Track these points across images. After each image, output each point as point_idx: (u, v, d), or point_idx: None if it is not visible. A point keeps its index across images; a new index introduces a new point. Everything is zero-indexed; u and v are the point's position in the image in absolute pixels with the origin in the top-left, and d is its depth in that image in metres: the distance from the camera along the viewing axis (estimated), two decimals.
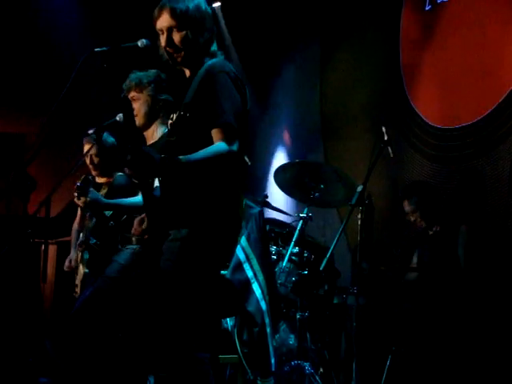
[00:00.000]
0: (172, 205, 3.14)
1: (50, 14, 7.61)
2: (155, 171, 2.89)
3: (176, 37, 3.18)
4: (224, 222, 3.12)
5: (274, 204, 5.73)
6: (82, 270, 5.07)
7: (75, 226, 5.64)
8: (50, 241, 6.57)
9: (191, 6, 3.19)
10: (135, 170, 2.84)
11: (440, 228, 5.18)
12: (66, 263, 5.52)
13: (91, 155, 5.26)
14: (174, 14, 3.16)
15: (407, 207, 5.24)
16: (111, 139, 5.22)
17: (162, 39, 3.21)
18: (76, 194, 4.34)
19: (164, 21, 3.19)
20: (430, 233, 5.24)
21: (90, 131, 4.41)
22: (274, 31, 7.74)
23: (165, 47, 3.20)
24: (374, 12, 6.57)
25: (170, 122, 3.29)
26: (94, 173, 5.37)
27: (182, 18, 3.17)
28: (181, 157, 2.91)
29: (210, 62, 3.18)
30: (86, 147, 5.23)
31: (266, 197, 5.67)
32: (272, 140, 7.82)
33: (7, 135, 7.83)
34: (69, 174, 5.04)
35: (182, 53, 3.20)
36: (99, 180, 5.32)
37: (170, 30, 3.19)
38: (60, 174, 4.32)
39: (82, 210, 4.67)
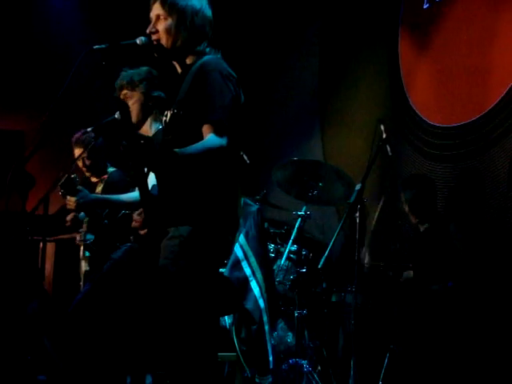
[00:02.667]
0: (170, 203, 3.15)
1: (48, 11, 7.60)
2: (153, 159, 2.88)
3: (161, 25, 3.25)
4: (222, 220, 3.14)
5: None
6: (83, 267, 5.09)
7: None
8: (48, 238, 6.57)
9: (184, 0, 3.25)
10: (134, 156, 2.84)
11: (430, 225, 5.19)
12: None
13: (83, 158, 5.30)
14: (163, 3, 3.25)
15: (403, 197, 5.29)
16: (99, 140, 5.25)
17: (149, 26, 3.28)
18: (60, 193, 4.34)
19: (154, 9, 3.28)
20: (421, 229, 5.25)
21: (89, 129, 4.41)
22: (273, 30, 7.74)
23: (148, 32, 3.25)
24: (372, 11, 6.57)
25: (164, 119, 3.31)
26: (87, 174, 5.41)
27: (169, 8, 3.24)
28: (176, 150, 2.94)
29: (204, 59, 3.21)
30: (77, 151, 5.27)
31: (265, 195, 5.68)
32: (271, 138, 7.82)
33: (6, 132, 7.82)
34: (67, 171, 5.05)
35: (161, 39, 3.24)
36: (93, 179, 5.37)
37: (157, 17, 3.27)
38: (59, 171, 4.31)
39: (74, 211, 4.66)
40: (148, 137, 2.93)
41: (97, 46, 3.24)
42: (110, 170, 5.36)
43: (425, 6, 5.96)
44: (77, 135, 5.30)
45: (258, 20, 7.81)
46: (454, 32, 5.67)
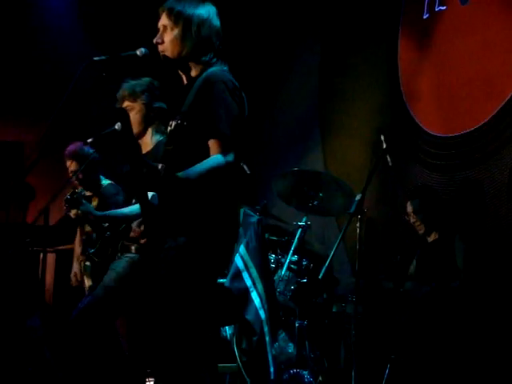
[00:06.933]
0: (169, 213, 3.15)
1: (48, 22, 7.62)
2: (156, 186, 2.90)
3: (167, 36, 3.23)
4: (221, 230, 3.13)
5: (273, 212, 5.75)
6: (87, 282, 5.07)
7: (78, 238, 5.67)
8: (48, 249, 6.57)
9: (191, 9, 3.23)
10: (137, 181, 2.84)
11: (438, 236, 5.19)
12: (73, 279, 5.52)
13: (76, 172, 5.28)
14: (170, 13, 3.23)
15: (409, 208, 5.27)
16: (89, 152, 5.23)
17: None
18: (65, 208, 4.35)
19: (162, 20, 3.26)
20: (429, 240, 5.24)
21: (89, 140, 4.42)
22: (274, 40, 7.75)
23: (154, 42, 3.24)
24: (373, 22, 6.58)
25: (168, 128, 3.30)
26: (79, 188, 5.39)
27: (175, 17, 3.21)
28: (179, 174, 2.93)
29: (209, 70, 3.20)
30: (69, 163, 5.25)
31: (265, 205, 5.68)
32: (271, 148, 7.82)
33: (6, 143, 7.83)
34: (67, 182, 5.06)
35: (167, 50, 3.23)
36: (88, 193, 5.33)
37: (164, 28, 3.25)
38: (59, 182, 4.33)
39: (76, 222, 4.68)
40: (151, 164, 2.89)
41: (97, 58, 3.25)
42: (104, 182, 5.32)
43: (424, 16, 5.97)
44: (70, 148, 5.27)
45: (258, 27, 7.82)
46: (453, 42, 5.68)
